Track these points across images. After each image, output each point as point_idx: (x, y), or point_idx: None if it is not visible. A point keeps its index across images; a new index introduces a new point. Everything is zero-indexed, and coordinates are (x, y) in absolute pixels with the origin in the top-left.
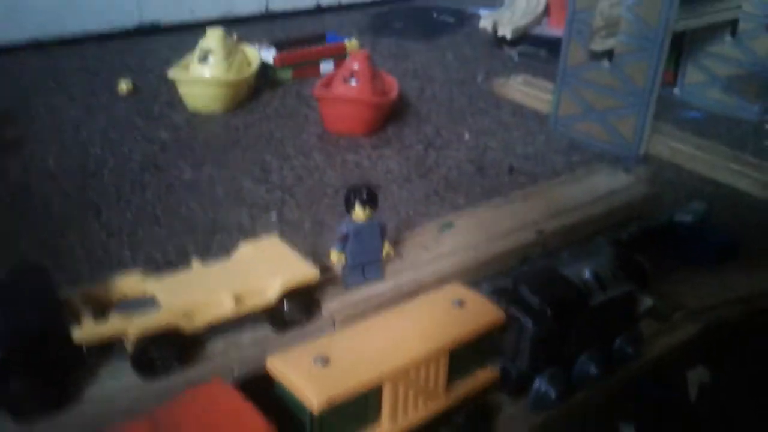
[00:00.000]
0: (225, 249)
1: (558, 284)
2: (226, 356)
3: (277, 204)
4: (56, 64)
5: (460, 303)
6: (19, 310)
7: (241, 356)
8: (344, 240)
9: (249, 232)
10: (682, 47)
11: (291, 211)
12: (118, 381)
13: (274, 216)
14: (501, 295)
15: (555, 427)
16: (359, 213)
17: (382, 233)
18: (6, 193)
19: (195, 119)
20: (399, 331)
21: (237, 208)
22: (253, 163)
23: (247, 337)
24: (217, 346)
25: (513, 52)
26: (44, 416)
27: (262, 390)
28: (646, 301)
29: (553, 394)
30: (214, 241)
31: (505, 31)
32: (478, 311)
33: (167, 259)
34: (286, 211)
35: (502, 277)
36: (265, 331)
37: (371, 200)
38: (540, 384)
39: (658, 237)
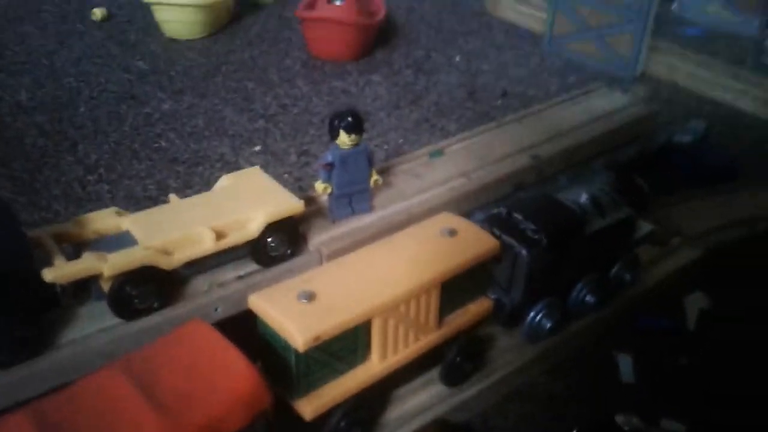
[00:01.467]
0: (207, 182)
1: (554, 210)
2: (210, 294)
3: (260, 134)
4: None
5: (452, 232)
6: None
7: (225, 294)
8: (329, 168)
9: (232, 164)
10: None
11: (275, 141)
12: (96, 323)
13: (258, 147)
14: (494, 223)
15: (550, 358)
16: (344, 139)
17: (370, 161)
18: None
19: (173, 46)
20: (387, 264)
21: (219, 139)
22: (235, 91)
23: (231, 273)
24: (199, 284)
25: None
26: (19, 362)
27: (249, 328)
28: (645, 226)
29: (548, 325)
30: (196, 174)
31: None
32: (471, 240)
33: (148, 195)
34: (271, 142)
35: (496, 205)
36: (249, 267)
37: (357, 125)
38: (534, 315)
39: (656, 159)
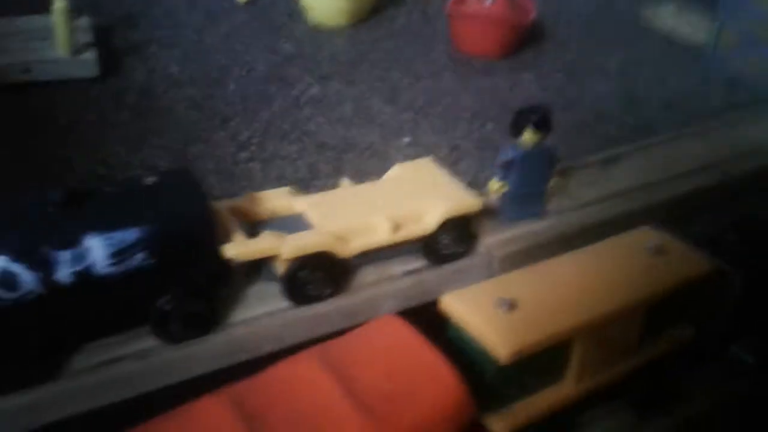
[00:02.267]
0: (357, 169)
1: None
2: (379, 287)
3: (409, 126)
4: None
5: (658, 250)
6: (170, 216)
7: (394, 288)
8: (508, 167)
9: (381, 153)
10: None
11: (425, 134)
12: (265, 305)
13: (407, 138)
14: (700, 242)
15: (748, 403)
16: (529, 137)
17: (552, 162)
18: (131, 96)
19: (317, 33)
20: (590, 278)
21: (367, 128)
22: (382, 80)
23: (400, 267)
24: (368, 276)
25: None
26: (191, 338)
27: (417, 325)
28: None
29: (749, 361)
30: (346, 161)
31: None
32: (680, 260)
33: (299, 176)
34: (420, 134)
35: (700, 223)
36: (417, 262)
37: (544, 123)
38: (737, 350)
39: None
